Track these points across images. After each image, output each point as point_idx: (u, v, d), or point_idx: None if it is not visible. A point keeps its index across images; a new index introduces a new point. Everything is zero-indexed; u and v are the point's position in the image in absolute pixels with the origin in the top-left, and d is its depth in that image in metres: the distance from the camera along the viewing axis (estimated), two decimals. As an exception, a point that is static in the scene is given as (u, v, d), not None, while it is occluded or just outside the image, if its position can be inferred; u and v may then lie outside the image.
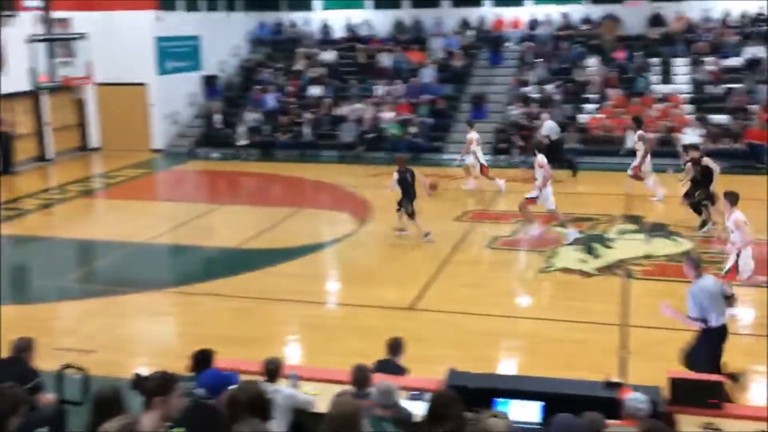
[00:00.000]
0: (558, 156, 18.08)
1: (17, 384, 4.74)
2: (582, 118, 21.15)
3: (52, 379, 6.61)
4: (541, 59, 23.15)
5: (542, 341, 9.19)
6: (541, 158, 13.21)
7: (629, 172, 15.75)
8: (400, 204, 13.54)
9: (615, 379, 6.12)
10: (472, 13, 25.52)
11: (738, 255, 9.47)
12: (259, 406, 4.34)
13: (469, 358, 8.33)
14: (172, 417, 4.50)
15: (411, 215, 13.42)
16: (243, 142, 21.44)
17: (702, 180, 13.14)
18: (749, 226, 9.51)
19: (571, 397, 5.54)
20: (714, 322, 7.16)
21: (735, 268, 9.53)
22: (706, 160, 13.31)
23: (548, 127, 18.74)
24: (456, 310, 10.18)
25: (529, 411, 5.54)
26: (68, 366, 6.66)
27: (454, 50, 24.18)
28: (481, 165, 17.07)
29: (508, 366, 8.88)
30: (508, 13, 25.26)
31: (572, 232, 13.14)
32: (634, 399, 5.19)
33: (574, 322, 9.68)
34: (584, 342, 9.03)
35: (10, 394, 4.36)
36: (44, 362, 7.06)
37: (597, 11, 24.52)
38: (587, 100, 21.78)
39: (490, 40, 24.77)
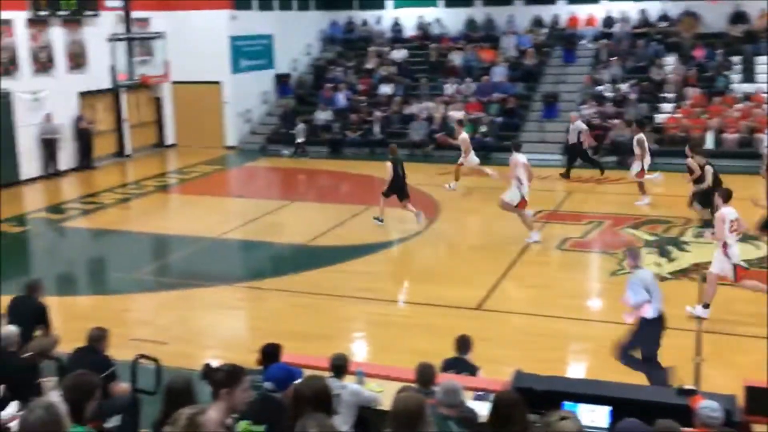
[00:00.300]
0: (583, 156, 18.22)
1: (92, 372, 4.90)
2: (658, 117, 20.63)
3: (127, 369, 6.80)
4: (616, 57, 22.67)
5: (611, 345, 9.00)
6: (516, 157, 13.06)
7: (634, 177, 15.62)
8: (386, 192, 14.06)
9: (688, 386, 5.95)
10: (546, 11, 25.16)
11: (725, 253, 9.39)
12: (323, 400, 4.36)
13: (535, 359, 8.22)
14: (238, 409, 4.57)
15: (386, 195, 14.05)
16: (300, 139, 21.68)
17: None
18: (739, 224, 9.45)
19: (641, 403, 5.42)
20: (651, 313, 7.33)
21: (738, 268, 9.45)
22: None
23: (578, 126, 18.47)
24: (523, 311, 10.07)
25: (597, 416, 5.43)
26: (142, 356, 6.84)
27: (527, 48, 23.90)
28: (460, 164, 17.19)
29: (575, 369, 8.73)
30: (583, 11, 24.82)
31: (535, 234, 13.04)
32: (707, 407, 5.02)
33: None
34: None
35: (84, 380, 4.51)
36: (119, 352, 7.29)
37: (675, 8, 23.84)
38: (664, 100, 21.22)
39: (564, 38, 24.38)
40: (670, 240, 12.78)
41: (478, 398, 6.02)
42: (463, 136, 17.23)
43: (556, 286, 11.17)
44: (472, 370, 6.78)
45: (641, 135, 15.56)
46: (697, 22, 23.47)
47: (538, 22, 25.11)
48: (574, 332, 9.61)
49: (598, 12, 24.68)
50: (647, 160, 15.41)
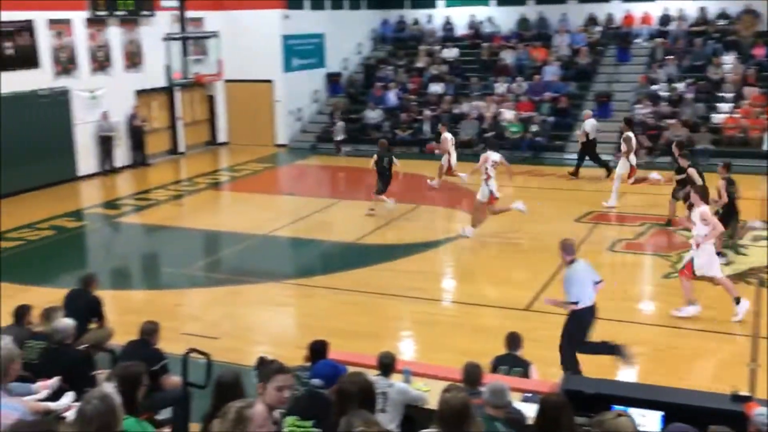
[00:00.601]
0: (592, 155, 18.15)
1: (144, 364, 5.00)
2: (716, 117, 20.16)
3: (178, 363, 6.90)
4: (673, 56, 22.23)
5: (663, 349, 8.85)
6: (487, 154, 13.53)
7: (629, 180, 15.42)
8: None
9: (743, 392, 5.80)
10: (600, 9, 24.81)
11: (698, 249, 9.45)
12: (367, 397, 4.36)
13: (584, 362, 8.11)
14: (273, 405, 4.58)
15: (379, 192, 14.94)
16: (339, 137, 21.74)
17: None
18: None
19: (693, 409, 5.29)
20: (582, 303, 7.63)
21: (690, 265, 9.54)
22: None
23: (590, 125, 18.30)
24: (573, 313, 9.92)
25: (648, 421, 5.32)
26: (193, 350, 6.94)
27: (580, 47, 23.60)
28: (449, 166, 17.10)
29: (625, 372, 8.57)
30: (639, 9, 24.40)
31: (469, 230, 13.28)
32: (762, 414, 4.89)
33: (699, 331, 9.25)
34: (709, 351, 8.61)
35: (131, 371, 4.67)
36: (171, 346, 7.41)
37: (735, 6, 23.27)
38: (722, 99, 20.74)
39: (618, 37, 24.01)
40: (726, 243, 12.47)
41: (525, 400, 5.96)
42: (444, 136, 17.03)
43: (607, 288, 10.91)
44: (524, 365, 6.72)
45: (629, 133, 15.42)
46: (757, 20, 22.87)
47: (592, 21, 24.79)
48: (625, 335, 9.42)
49: (654, 10, 24.24)
50: (633, 158, 15.28)
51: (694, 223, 9.55)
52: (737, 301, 9.54)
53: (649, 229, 13.66)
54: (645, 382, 7.53)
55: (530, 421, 5.12)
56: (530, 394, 6.00)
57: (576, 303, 7.66)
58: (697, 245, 9.47)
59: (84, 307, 8.28)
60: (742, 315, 9.49)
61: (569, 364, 7.65)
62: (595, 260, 12.22)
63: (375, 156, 15.28)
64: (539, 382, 6.44)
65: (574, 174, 18.32)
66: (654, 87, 21.46)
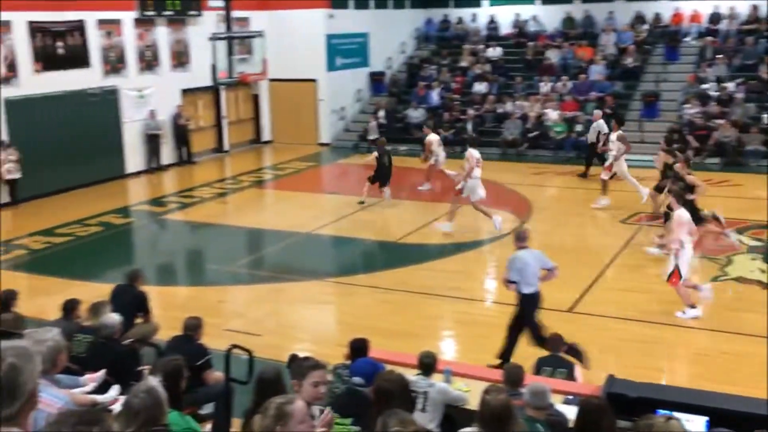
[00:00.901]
0: (598, 157, 17.67)
1: (187, 359, 5.09)
2: (766, 118, 19.69)
3: (221, 358, 6.99)
4: (722, 55, 21.77)
5: (709, 353, 8.68)
6: (471, 152, 13.58)
7: (603, 175, 15.33)
8: (372, 179, 15.54)
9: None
10: (648, 7, 24.42)
11: (676, 257, 9.51)
12: (404, 394, 4.36)
13: (627, 365, 8.01)
14: (310, 401, 4.60)
15: (381, 186, 15.49)
16: (373, 136, 21.76)
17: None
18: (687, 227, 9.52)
19: (738, 414, 5.19)
20: (524, 290, 8.16)
21: (677, 272, 9.53)
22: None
23: (599, 126, 18.07)
24: (617, 315, 9.81)
25: (693, 426, 5.24)
26: (235, 347, 7.01)
27: (627, 46, 23.26)
28: (430, 165, 16.91)
29: (669, 377, 8.44)
30: (688, 7, 23.94)
31: (446, 226, 13.49)
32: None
33: (747, 336, 9.04)
34: (756, 356, 8.41)
35: (173, 365, 4.86)
36: (214, 342, 7.51)
37: (789, 3, 22.72)
38: (775, 99, 20.27)
39: (667, 35, 23.60)
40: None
41: (567, 402, 5.91)
42: (429, 138, 16.84)
43: (653, 290, 10.83)
44: (568, 367, 6.66)
45: (620, 132, 15.33)
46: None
47: (639, 19, 24.40)
48: (670, 339, 9.30)
49: (704, 8, 23.75)
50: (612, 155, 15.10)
51: (671, 230, 9.66)
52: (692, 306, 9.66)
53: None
54: (690, 386, 7.39)
55: (572, 424, 5.08)
56: (572, 397, 5.94)
57: (514, 283, 8.22)
58: (677, 251, 9.53)
59: (130, 302, 8.43)
60: (687, 316, 9.61)
61: (538, 341, 8.04)
62: (640, 262, 12.10)
63: (375, 153, 15.99)
64: (582, 385, 6.38)
65: (583, 175, 18.30)
66: (703, 86, 21.05)
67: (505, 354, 8.15)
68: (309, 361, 4.75)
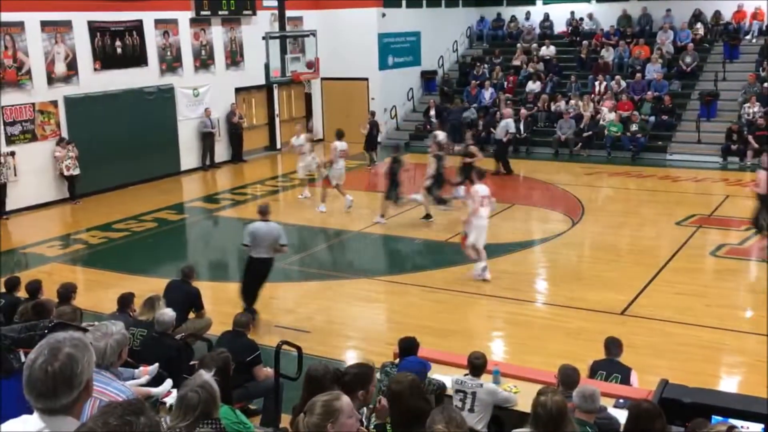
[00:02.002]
0: (502, 155, 18.47)
1: (237, 355, 5.17)
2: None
3: (271, 354, 7.05)
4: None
5: (765, 360, 8.43)
6: (335, 144, 15.11)
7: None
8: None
9: None
10: (707, 5, 23.83)
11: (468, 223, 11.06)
12: (416, 392, 4.35)
13: (681, 370, 7.86)
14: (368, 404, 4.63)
15: (395, 200, 14.75)
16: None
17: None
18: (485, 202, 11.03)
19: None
20: (253, 254, 9.54)
21: (465, 236, 11.16)
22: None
23: (508, 125, 18.62)
24: (671, 319, 9.62)
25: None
26: (285, 343, 7.07)
27: (685, 44, 22.76)
28: (327, 176, 15.99)
29: (726, 383, 8.23)
30: (749, 5, 23.29)
31: (380, 219, 13.92)
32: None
33: (809, 343, 8.77)
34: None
35: (225, 359, 5.01)
36: (265, 338, 7.59)
37: None
38: (839, 99, 19.61)
39: (727, 34, 23.02)
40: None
41: (618, 406, 5.82)
42: (334, 144, 16.24)
43: (709, 294, 10.60)
44: (623, 372, 6.53)
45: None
46: None
47: (698, 17, 23.84)
48: (725, 344, 9.08)
49: (767, 6, 23.07)
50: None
51: (471, 200, 11.20)
52: (484, 268, 11.12)
53: (754, 235, 13.06)
54: (746, 392, 7.20)
55: (623, 428, 4.99)
56: (622, 400, 5.85)
57: (247, 246, 9.57)
58: (472, 218, 11.02)
59: (183, 298, 8.57)
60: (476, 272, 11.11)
61: (246, 300, 9.60)
62: (696, 265, 11.84)
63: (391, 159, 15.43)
64: (635, 389, 6.27)
65: (505, 171, 18.48)
66: (766, 86, 20.48)
67: (250, 304, 9.64)
68: (366, 368, 4.75)
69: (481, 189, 11.18)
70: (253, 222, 10.00)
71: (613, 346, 6.77)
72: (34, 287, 8.07)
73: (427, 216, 14.54)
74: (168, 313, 7.14)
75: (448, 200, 15.01)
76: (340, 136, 16.02)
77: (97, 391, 3.26)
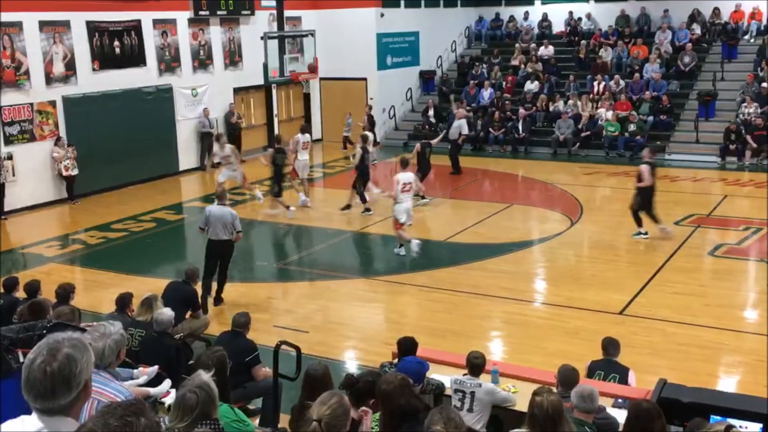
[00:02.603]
0: (455, 157, 18.58)
1: (236, 355, 5.17)
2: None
3: (269, 354, 7.04)
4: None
5: (764, 359, 8.44)
6: (297, 137, 15.57)
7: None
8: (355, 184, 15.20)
9: None
10: (705, 5, 23.84)
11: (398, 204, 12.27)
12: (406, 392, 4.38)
13: (680, 369, 7.87)
14: None
15: (360, 195, 15.16)
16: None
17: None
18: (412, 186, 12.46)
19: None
20: (210, 236, 10.18)
21: (396, 220, 12.36)
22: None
23: (461, 125, 18.76)
24: (670, 319, 9.62)
25: (748, 432, 5.11)
26: (284, 343, 7.06)
27: (683, 44, 22.77)
28: (293, 168, 16.14)
29: (724, 382, 8.24)
30: (747, 4, 23.31)
31: (356, 205, 14.59)
32: None
33: (807, 342, 8.78)
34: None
35: (222, 357, 5.05)
36: (263, 337, 7.59)
37: None
38: (837, 99, 19.63)
39: (725, 33, 23.04)
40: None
41: (617, 405, 5.82)
42: (296, 137, 16.25)
43: (707, 294, 10.61)
44: (622, 371, 6.53)
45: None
46: None
47: (696, 16, 23.86)
48: (724, 343, 9.09)
49: (765, 6, 23.09)
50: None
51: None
52: (404, 243, 12.29)
53: (753, 234, 13.09)
54: (745, 392, 7.21)
55: (621, 428, 5.00)
56: (621, 400, 5.85)
57: (202, 229, 10.30)
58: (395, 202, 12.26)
59: (182, 298, 8.59)
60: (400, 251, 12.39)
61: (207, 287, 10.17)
62: (695, 265, 11.85)
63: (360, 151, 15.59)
64: (633, 389, 6.27)
65: (457, 172, 18.60)
66: (764, 86, 20.50)
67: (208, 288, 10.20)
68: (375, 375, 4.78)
69: (403, 177, 12.46)
70: (208, 207, 10.90)
71: (610, 345, 6.77)
72: (33, 287, 8.06)
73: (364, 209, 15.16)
74: (166, 313, 7.14)
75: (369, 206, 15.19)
76: (303, 130, 16.46)
77: (96, 391, 3.26)
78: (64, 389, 2.40)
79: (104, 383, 3.61)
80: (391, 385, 4.31)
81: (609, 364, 6.60)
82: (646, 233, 12.92)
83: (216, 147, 16.06)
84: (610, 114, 20.85)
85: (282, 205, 15.24)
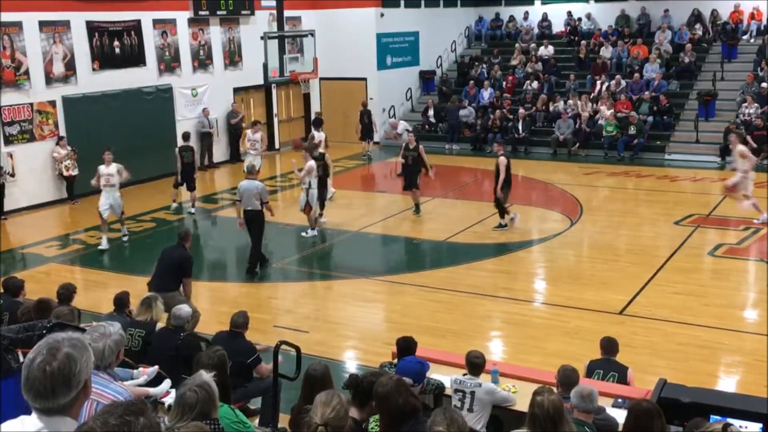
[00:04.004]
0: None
1: (235, 355, 5.17)
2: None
3: (269, 354, 7.04)
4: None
5: (764, 359, 8.44)
6: (247, 132, 16.08)
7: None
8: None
9: None
10: (706, 5, 23.84)
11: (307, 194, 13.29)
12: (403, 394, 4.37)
13: (680, 369, 7.87)
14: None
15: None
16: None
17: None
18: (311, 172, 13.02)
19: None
20: (245, 207, 11.71)
21: (309, 205, 13.29)
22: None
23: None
24: (670, 319, 9.63)
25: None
26: (284, 343, 7.06)
27: (683, 44, 22.77)
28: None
29: (724, 382, 8.24)
30: (747, 5, 23.30)
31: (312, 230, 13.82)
32: None
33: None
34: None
35: (220, 355, 5.10)
36: (264, 337, 7.59)
37: None
38: (836, 99, 19.61)
39: (725, 33, 23.03)
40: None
41: (616, 405, 5.82)
42: (246, 133, 16.41)
43: (707, 294, 10.61)
44: (620, 371, 6.52)
45: (742, 147, 14.28)
46: None
47: (696, 17, 23.86)
48: (723, 343, 9.09)
49: (765, 6, 23.07)
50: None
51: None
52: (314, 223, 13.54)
53: (753, 234, 13.09)
54: (745, 392, 7.21)
55: (621, 428, 5.00)
56: (621, 400, 5.85)
57: (239, 201, 11.72)
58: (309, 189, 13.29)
59: (175, 261, 8.92)
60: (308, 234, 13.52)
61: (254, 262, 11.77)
62: (695, 265, 11.85)
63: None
64: (632, 388, 6.27)
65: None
66: (763, 86, 20.49)
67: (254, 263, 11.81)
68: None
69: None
70: (240, 182, 12.00)
71: (609, 345, 6.77)
72: (17, 285, 8.06)
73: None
74: (184, 308, 7.19)
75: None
76: (253, 124, 17.19)
77: (96, 393, 3.26)
78: (64, 388, 2.40)
79: (104, 385, 3.61)
80: (387, 386, 4.30)
81: (608, 363, 6.60)
82: (506, 225, 13.72)
83: (102, 167, 14.21)
84: (609, 113, 20.82)
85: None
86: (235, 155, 21.07)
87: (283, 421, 6.25)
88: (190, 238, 9.49)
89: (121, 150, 17.63)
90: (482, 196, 16.61)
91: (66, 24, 16.86)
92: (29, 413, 2.46)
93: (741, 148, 13.90)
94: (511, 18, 26.74)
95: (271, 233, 14.86)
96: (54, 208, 16.59)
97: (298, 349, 6.94)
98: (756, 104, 19.65)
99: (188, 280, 9.01)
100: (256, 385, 6.99)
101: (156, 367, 6.37)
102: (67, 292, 7.84)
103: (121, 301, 7.84)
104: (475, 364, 6.08)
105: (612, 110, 20.86)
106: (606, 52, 23.51)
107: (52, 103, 16.72)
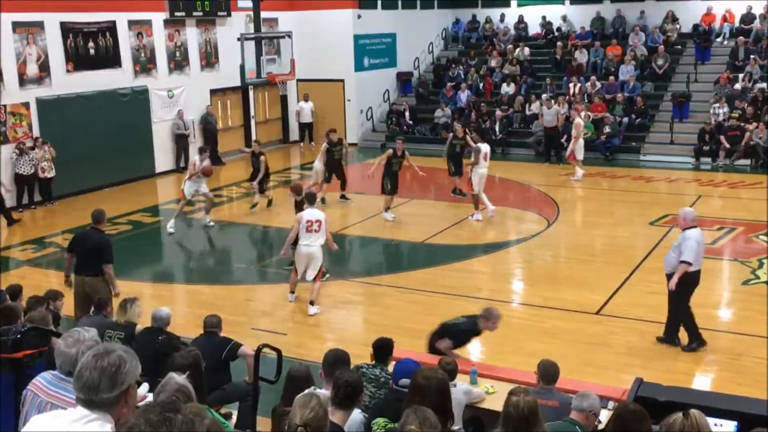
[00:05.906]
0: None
1: (213, 353, 5.13)
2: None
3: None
4: (755, 56, 21.45)
5: (740, 358, 8.56)
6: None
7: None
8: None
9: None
10: (679, 7, 24.10)
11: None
12: (442, 394, 4.33)
13: (656, 369, 7.94)
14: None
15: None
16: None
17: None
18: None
19: (771, 420, 5.10)
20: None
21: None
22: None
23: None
24: (646, 318, 9.71)
25: (723, 430, 5.17)
26: (265, 346, 7.03)
27: (657, 46, 23.00)
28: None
29: (700, 381, 8.34)
30: (720, 6, 23.59)
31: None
32: None
33: (780, 341, 8.90)
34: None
35: (194, 355, 5.11)
36: (242, 341, 7.52)
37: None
38: (807, 101, 19.91)
39: (698, 35, 23.30)
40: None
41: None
42: (194, 159, 15.32)
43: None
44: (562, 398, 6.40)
45: (479, 145, 14.99)
46: None
47: (670, 19, 24.10)
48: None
49: (737, 8, 23.39)
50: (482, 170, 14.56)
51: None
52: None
53: (727, 234, 13.24)
54: (720, 390, 7.30)
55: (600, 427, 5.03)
56: (601, 400, 5.88)
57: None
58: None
59: (95, 247, 8.77)
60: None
61: None
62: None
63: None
64: (610, 388, 6.32)
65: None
66: (735, 87, 20.76)
67: None
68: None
69: (307, 214, 10.60)
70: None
71: (548, 373, 5.78)
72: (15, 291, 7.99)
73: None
74: (164, 310, 7.15)
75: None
76: (200, 151, 15.23)
77: (54, 396, 3.26)
78: (109, 383, 2.64)
79: (69, 390, 3.57)
80: (429, 381, 4.23)
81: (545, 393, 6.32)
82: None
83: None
84: (579, 120, 20.85)
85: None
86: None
87: (261, 424, 6.22)
88: (104, 219, 9.24)
89: (96, 152, 17.55)
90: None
91: (40, 25, 16.68)
92: (17, 414, 2.58)
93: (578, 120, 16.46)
94: (488, 20, 26.86)
95: (248, 235, 14.82)
96: (29, 210, 16.37)
97: (279, 351, 6.91)
98: (727, 105, 19.85)
99: (110, 265, 8.88)
100: (236, 386, 6.96)
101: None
102: (49, 298, 7.80)
103: (100, 304, 7.77)
104: (449, 371, 6.05)
105: (585, 112, 20.92)
106: (581, 54, 23.63)
107: (26, 105, 16.53)
